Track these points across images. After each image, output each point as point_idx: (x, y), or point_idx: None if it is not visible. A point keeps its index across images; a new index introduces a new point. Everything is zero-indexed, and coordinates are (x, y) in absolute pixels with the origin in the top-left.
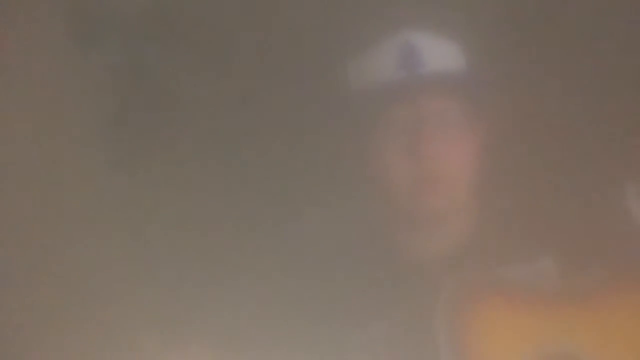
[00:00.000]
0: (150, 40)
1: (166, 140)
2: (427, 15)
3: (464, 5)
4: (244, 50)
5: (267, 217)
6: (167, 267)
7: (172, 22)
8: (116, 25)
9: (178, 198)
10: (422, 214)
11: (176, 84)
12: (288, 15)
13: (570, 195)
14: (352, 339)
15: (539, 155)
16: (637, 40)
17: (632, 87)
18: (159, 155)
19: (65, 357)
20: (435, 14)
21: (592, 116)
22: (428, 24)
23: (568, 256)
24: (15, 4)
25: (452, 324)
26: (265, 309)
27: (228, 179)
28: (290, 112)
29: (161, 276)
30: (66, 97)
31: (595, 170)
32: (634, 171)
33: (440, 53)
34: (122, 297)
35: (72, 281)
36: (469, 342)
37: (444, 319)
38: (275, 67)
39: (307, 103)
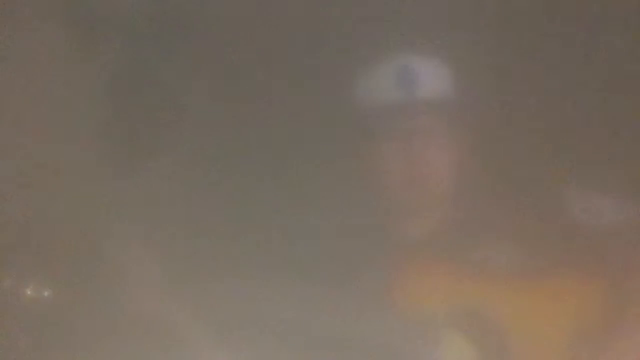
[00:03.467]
0: (150, 40)
1: (166, 140)
2: (424, 41)
3: (456, 33)
4: (245, 50)
5: (268, 216)
6: (166, 267)
7: (172, 22)
8: (116, 25)
9: (178, 198)
10: (410, 206)
11: (176, 85)
12: (291, 16)
13: (530, 192)
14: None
15: (508, 159)
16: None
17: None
18: (159, 155)
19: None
20: (430, 41)
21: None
22: (424, 49)
23: (523, 243)
24: (16, 3)
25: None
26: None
27: (229, 179)
28: (293, 114)
29: (161, 276)
30: (66, 97)
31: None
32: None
33: (432, 75)
34: (122, 295)
35: (73, 281)
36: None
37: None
38: (276, 70)
39: (312, 107)
